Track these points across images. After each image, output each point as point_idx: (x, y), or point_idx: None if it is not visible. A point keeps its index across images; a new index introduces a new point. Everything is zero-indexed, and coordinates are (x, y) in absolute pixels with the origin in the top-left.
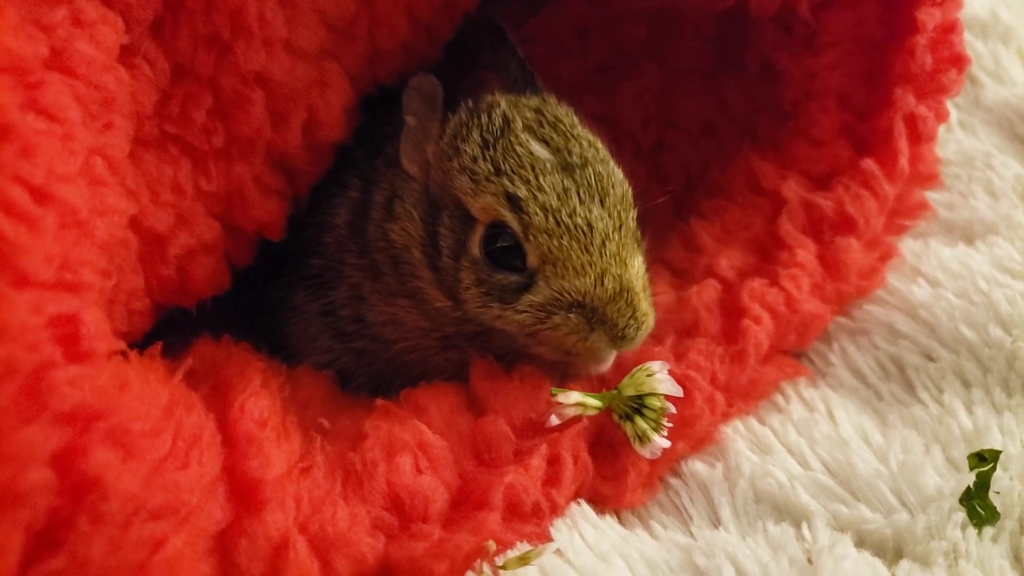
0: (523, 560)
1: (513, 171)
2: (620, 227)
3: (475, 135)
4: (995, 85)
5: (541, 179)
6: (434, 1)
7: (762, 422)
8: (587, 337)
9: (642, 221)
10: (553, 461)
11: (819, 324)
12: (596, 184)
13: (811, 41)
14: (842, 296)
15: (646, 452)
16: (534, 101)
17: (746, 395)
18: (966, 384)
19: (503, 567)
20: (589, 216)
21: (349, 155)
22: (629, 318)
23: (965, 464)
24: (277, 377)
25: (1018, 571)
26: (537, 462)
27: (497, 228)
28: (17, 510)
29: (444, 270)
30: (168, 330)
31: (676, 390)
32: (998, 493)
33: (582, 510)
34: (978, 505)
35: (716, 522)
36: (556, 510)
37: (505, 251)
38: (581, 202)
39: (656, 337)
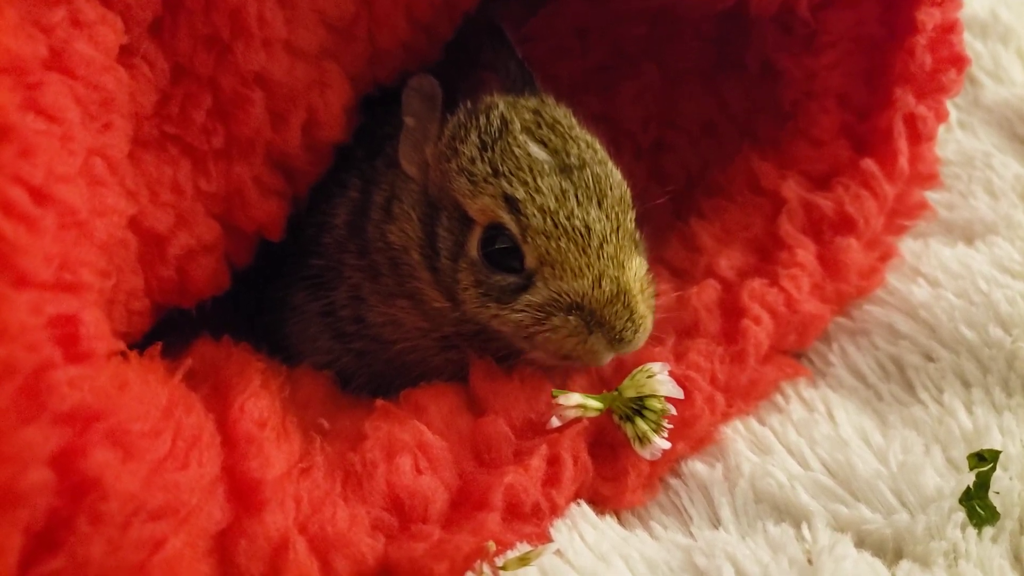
0: (523, 561)
1: (511, 173)
2: (618, 229)
3: (473, 136)
4: (995, 85)
5: (539, 181)
6: (434, 1)
7: (762, 422)
8: (586, 340)
9: (642, 221)
10: (553, 462)
11: (819, 324)
12: (594, 186)
13: (811, 41)
14: (842, 296)
15: (646, 453)
16: (532, 102)
17: (746, 395)
18: (966, 384)
19: (503, 568)
20: (587, 218)
21: (349, 155)
22: (627, 320)
23: (965, 464)
24: (277, 377)
25: (1018, 571)
26: (537, 462)
27: (495, 230)
28: (17, 510)
29: (442, 271)
30: (168, 330)
31: (676, 391)
32: (998, 493)
33: (582, 511)
34: (978, 505)
35: (716, 522)
36: (556, 511)
37: (503, 253)
38: (579, 204)
39: (656, 337)
